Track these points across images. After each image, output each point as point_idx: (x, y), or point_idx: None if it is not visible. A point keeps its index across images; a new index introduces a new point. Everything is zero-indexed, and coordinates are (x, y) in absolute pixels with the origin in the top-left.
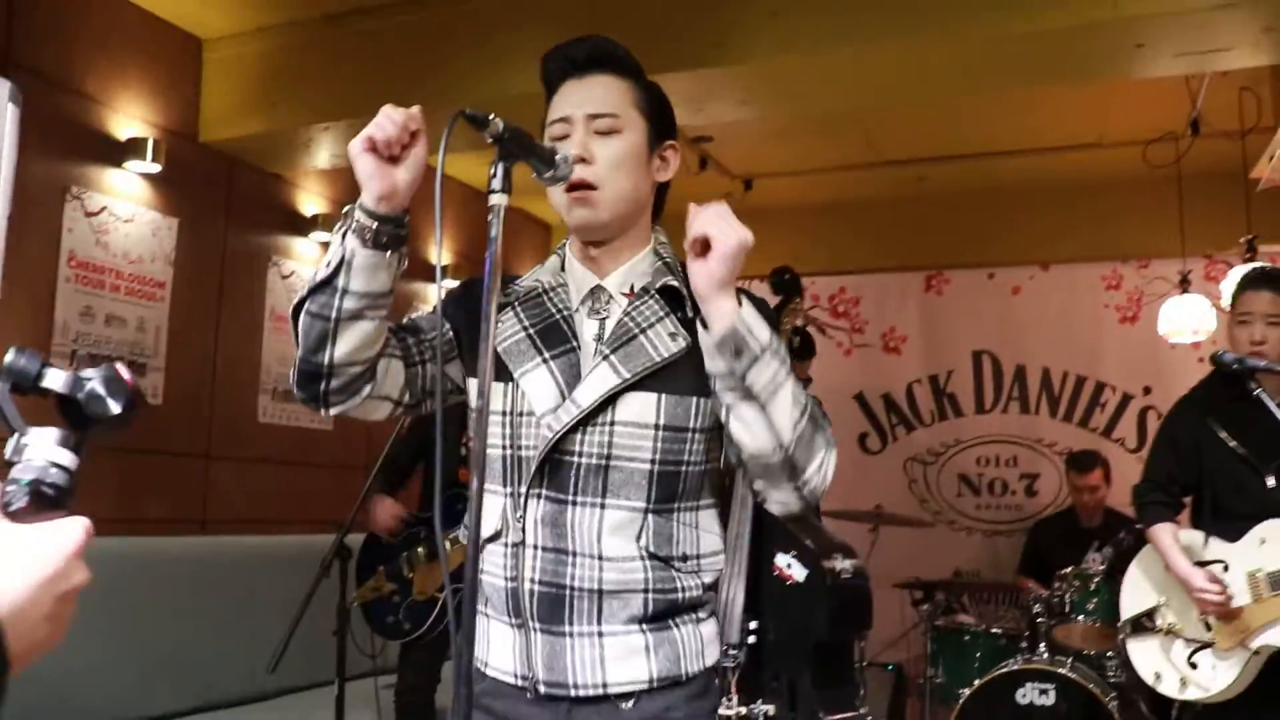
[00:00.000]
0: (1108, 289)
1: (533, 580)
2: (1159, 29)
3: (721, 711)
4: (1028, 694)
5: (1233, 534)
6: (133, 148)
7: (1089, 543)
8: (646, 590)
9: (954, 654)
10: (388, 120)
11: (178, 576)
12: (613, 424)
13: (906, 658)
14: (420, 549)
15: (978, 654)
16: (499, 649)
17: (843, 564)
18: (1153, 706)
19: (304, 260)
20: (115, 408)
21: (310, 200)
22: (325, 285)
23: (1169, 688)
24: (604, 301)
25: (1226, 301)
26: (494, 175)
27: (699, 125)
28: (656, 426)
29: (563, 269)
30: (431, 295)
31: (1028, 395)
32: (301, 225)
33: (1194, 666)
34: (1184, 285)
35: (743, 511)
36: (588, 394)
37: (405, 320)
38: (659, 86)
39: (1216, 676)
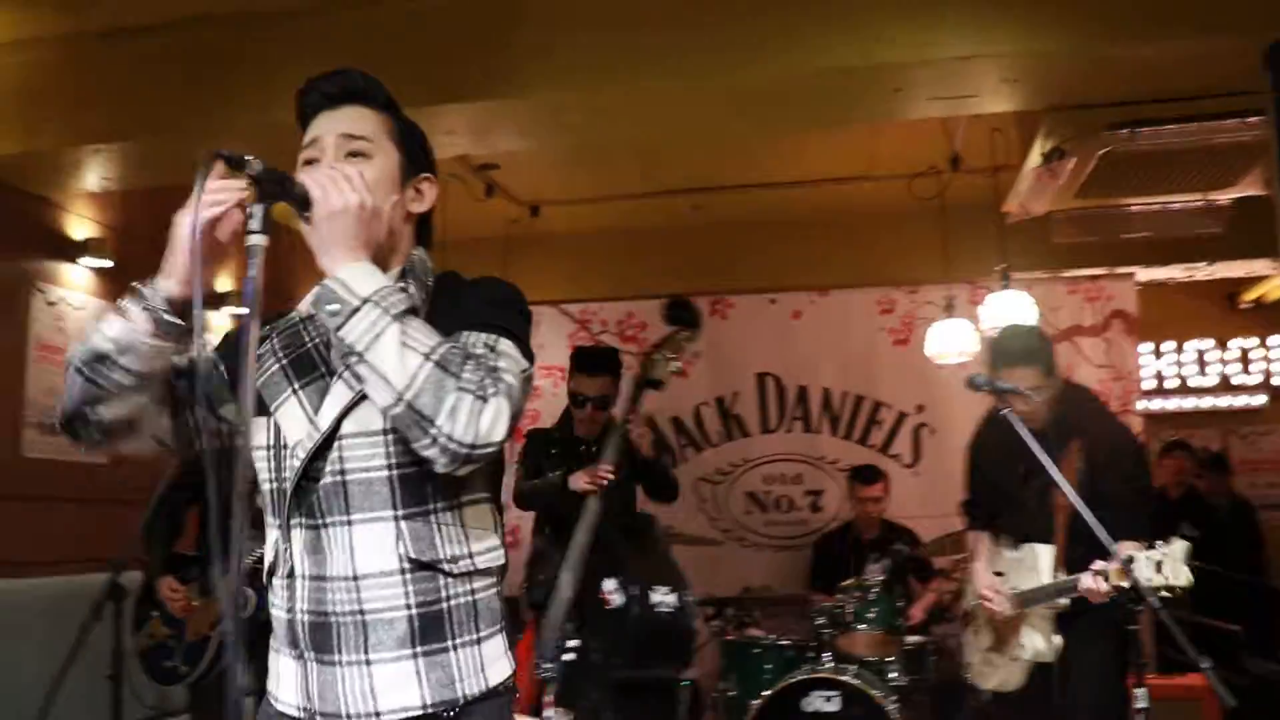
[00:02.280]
0: (882, 313)
1: (303, 610)
2: (912, 76)
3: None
4: (813, 702)
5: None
6: None
7: (868, 554)
8: (409, 608)
9: (745, 667)
10: (226, 196)
11: None
12: (340, 437)
13: (701, 673)
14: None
15: (767, 666)
16: (285, 681)
17: (663, 597)
18: (937, 706)
19: (72, 286)
20: None
21: (79, 224)
22: (104, 358)
23: (972, 674)
24: None
25: (986, 325)
26: (252, 216)
27: (484, 154)
28: (385, 431)
29: None
30: (211, 323)
31: (810, 415)
32: (69, 250)
33: (987, 662)
34: (949, 310)
35: (580, 531)
36: (327, 415)
37: (180, 361)
38: (413, 122)
39: (994, 674)
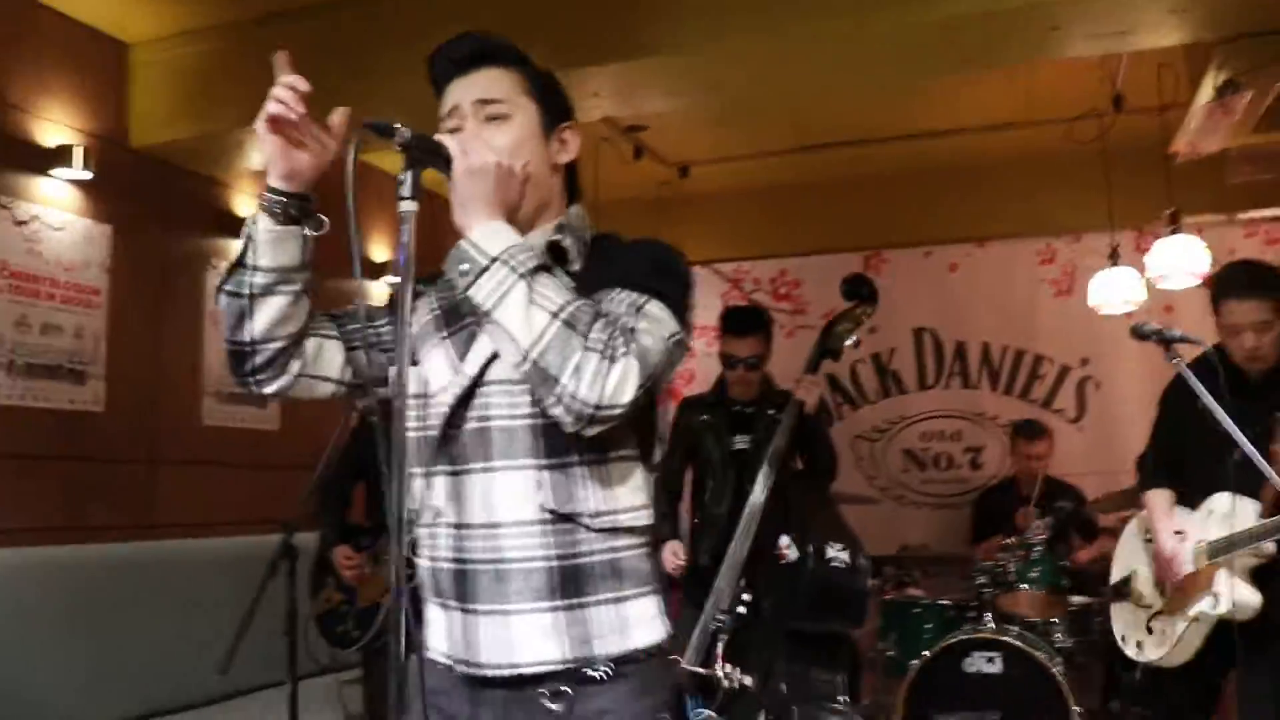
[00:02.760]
0: (1042, 264)
1: (446, 559)
2: (1070, 12)
3: (700, 670)
4: (975, 663)
5: (1194, 504)
6: (60, 155)
7: (1032, 511)
8: (548, 560)
9: (904, 627)
10: (284, 92)
11: (124, 582)
12: (484, 384)
13: (859, 633)
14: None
15: (927, 626)
16: (435, 630)
17: (837, 554)
18: (1107, 670)
19: None
20: None
21: (244, 201)
22: (238, 265)
23: (1130, 650)
24: None
25: (1153, 273)
26: (402, 183)
27: (630, 115)
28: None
29: None
30: (372, 293)
31: (969, 370)
32: (237, 227)
33: (1150, 631)
34: (1114, 258)
35: (758, 489)
36: (473, 362)
37: (346, 308)
38: (548, 72)
39: (1163, 641)
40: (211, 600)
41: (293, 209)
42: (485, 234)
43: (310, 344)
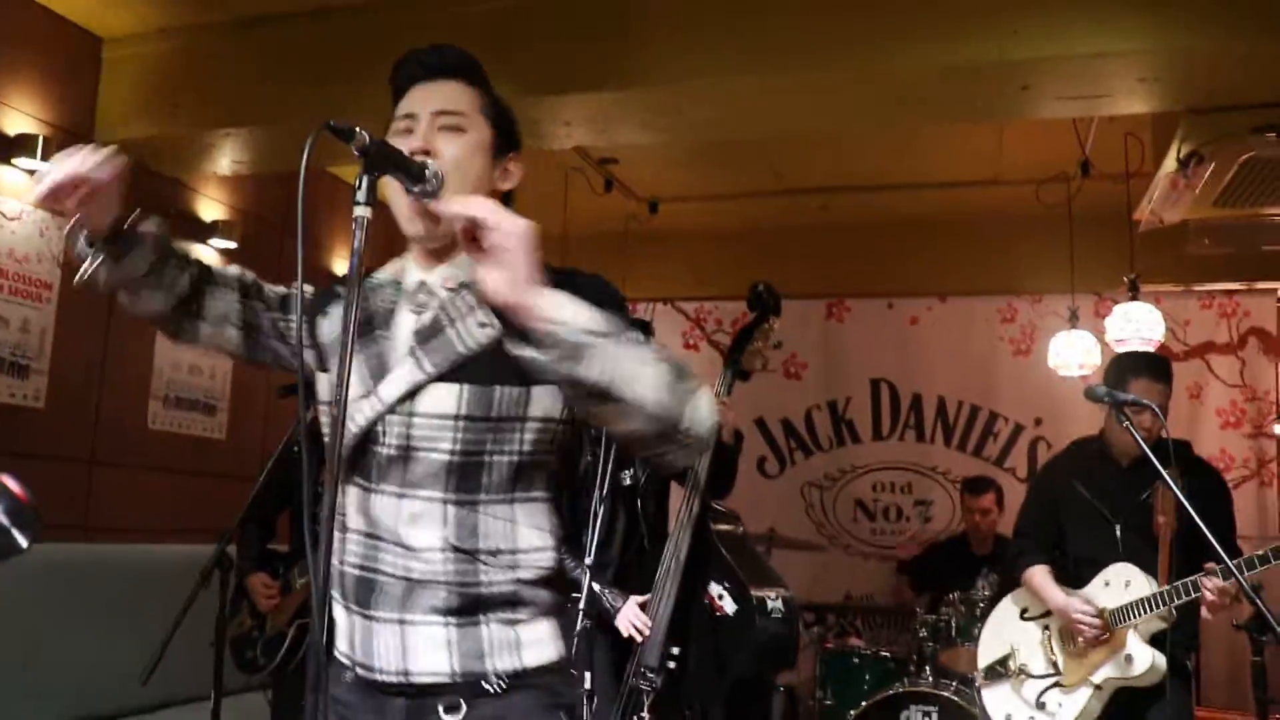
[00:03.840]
0: (1002, 322)
1: (350, 564)
2: (1042, 73)
3: None
4: (912, 716)
5: (1081, 580)
6: (22, 144)
7: (979, 568)
8: (447, 583)
9: (843, 676)
10: (60, 171)
11: (53, 585)
12: (412, 415)
13: (797, 680)
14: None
15: (866, 676)
16: (340, 632)
17: (774, 602)
18: None
19: None
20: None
21: (210, 206)
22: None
23: None
24: (426, 296)
25: (1111, 337)
26: (359, 188)
27: (604, 147)
28: (456, 417)
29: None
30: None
31: (923, 423)
32: (200, 231)
33: (1042, 706)
34: (1073, 321)
35: (680, 536)
36: (391, 389)
37: (265, 287)
38: (503, 99)
39: (1062, 712)
40: (143, 608)
41: (119, 246)
42: (556, 307)
43: (216, 310)
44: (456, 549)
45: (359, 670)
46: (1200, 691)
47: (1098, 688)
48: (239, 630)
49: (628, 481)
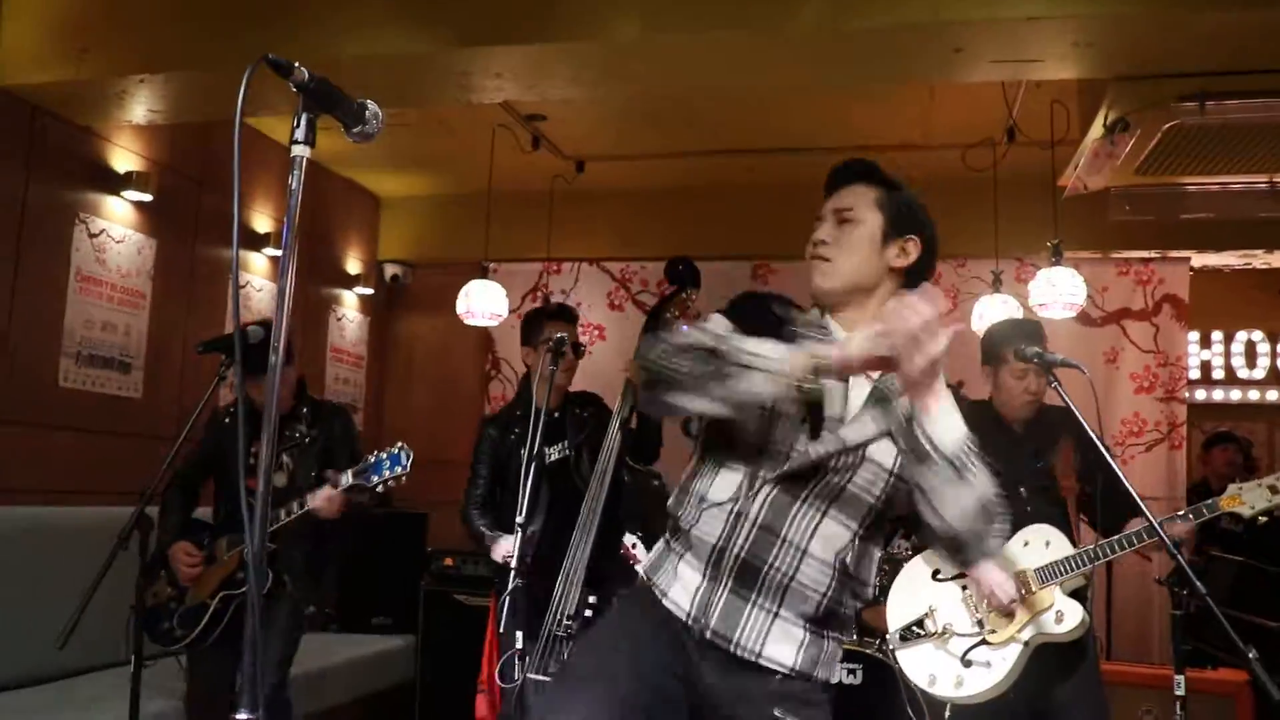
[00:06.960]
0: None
1: (741, 547)
2: (975, 35)
3: (531, 676)
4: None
5: None
6: None
7: (896, 528)
8: (825, 596)
9: None
10: None
11: None
12: (864, 460)
13: None
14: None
15: None
16: (681, 589)
17: None
18: None
19: (114, 219)
20: None
21: (123, 156)
22: None
23: (944, 688)
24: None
25: (1033, 301)
26: (296, 125)
27: (532, 102)
28: (890, 473)
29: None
30: (253, 263)
31: None
32: (114, 182)
33: (969, 664)
34: (996, 285)
35: (600, 483)
36: (855, 434)
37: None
38: (902, 194)
39: (992, 670)
40: (59, 572)
41: None
42: (933, 426)
43: None
44: (844, 572)
45: (708, 633)
46: (1110, 647)
47: (1025, 644)
48: (154, 600)
49: (555, 457)
